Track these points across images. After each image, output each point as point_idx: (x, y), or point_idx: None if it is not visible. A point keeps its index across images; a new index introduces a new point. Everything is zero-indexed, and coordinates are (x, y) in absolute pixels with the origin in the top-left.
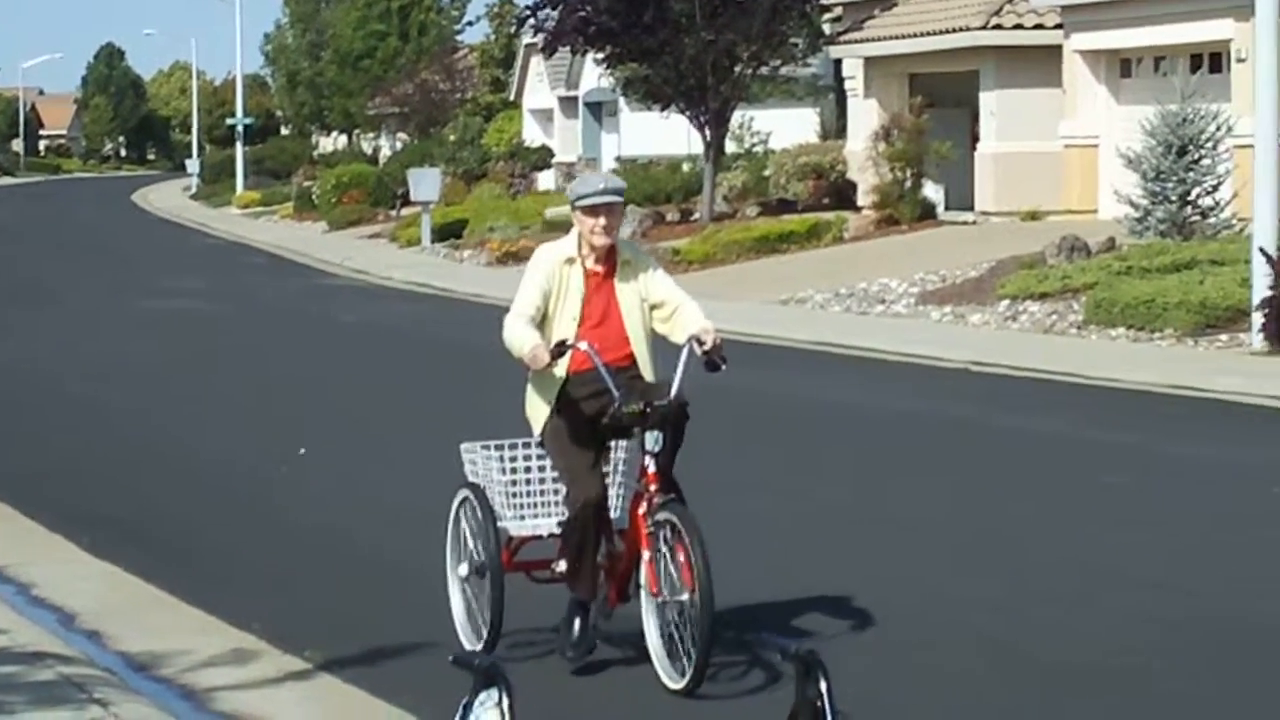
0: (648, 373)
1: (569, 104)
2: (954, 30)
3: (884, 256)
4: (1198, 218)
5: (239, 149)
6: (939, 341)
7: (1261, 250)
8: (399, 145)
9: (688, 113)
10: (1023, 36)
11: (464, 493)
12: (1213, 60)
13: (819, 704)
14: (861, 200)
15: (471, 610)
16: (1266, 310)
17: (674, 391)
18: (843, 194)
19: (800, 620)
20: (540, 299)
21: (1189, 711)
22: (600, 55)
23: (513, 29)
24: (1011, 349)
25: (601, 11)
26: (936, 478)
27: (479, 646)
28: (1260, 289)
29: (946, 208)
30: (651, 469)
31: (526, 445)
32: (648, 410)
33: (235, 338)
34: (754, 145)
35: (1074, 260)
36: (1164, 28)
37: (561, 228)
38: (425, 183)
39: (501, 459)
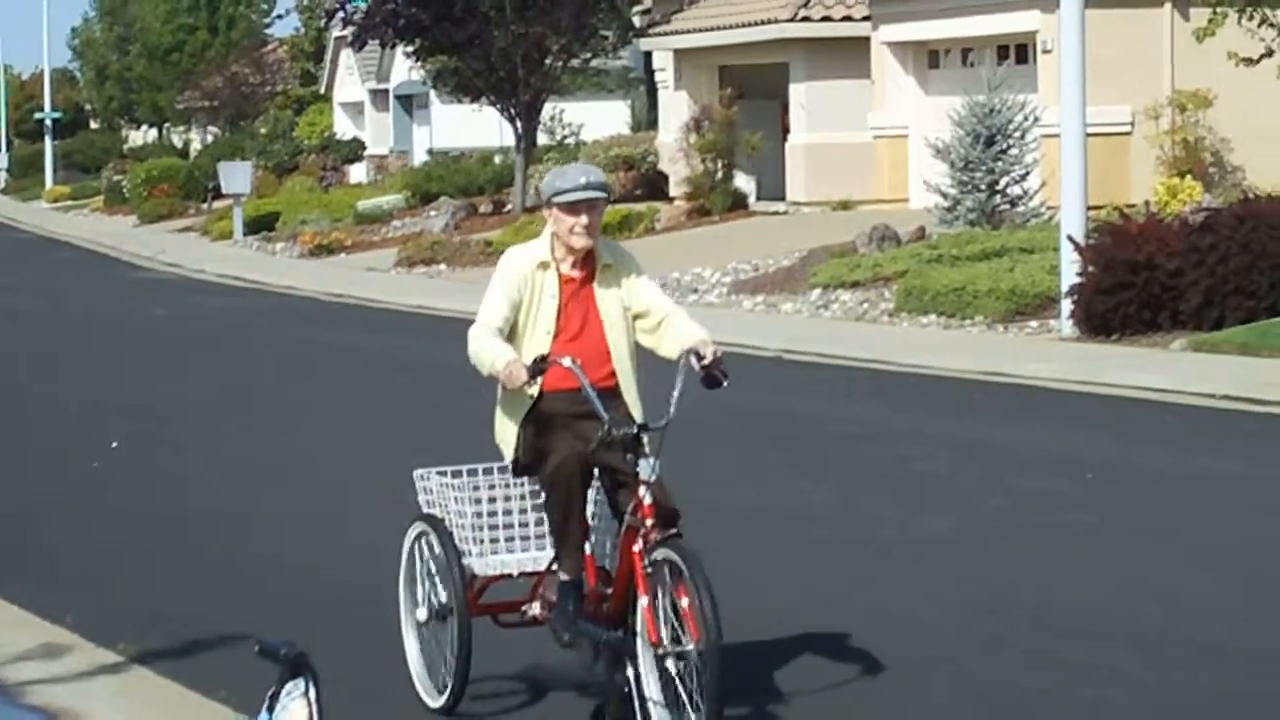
0: (631, 395)
1: (380, 97)
2: (762, 23)
3: (696, 247)
4: (1006, 206)
5: (48, 143)
6: (752, 330)
7: (1070, 238)
8: (209, 139)
9: (498, 105)
10: (831, 29)
11: (420, 526)
12: (1019, 51)
13: (627, 690)
14: (673, 191)
15: (432, 660)
16: (1075, 297)
17: (671, 412)
18: (655, 185)
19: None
20: (509, 308)
21: (999, 696)
22: (410, 48)
23: (322, 22)
24: (823, 337)
25: (411, 4)
26: (747, 466)
27: (442, 700)
28: (1069, 276)
29: (758, 198)
30: (648, 501)
31: (489, 471)
32: (641, 434)
33: (47, 332)
34: (566, 137)
35: (885, 249)
36: (971, 19)
37: (372, 220)
38: (236, 176)
39: (462, 487)
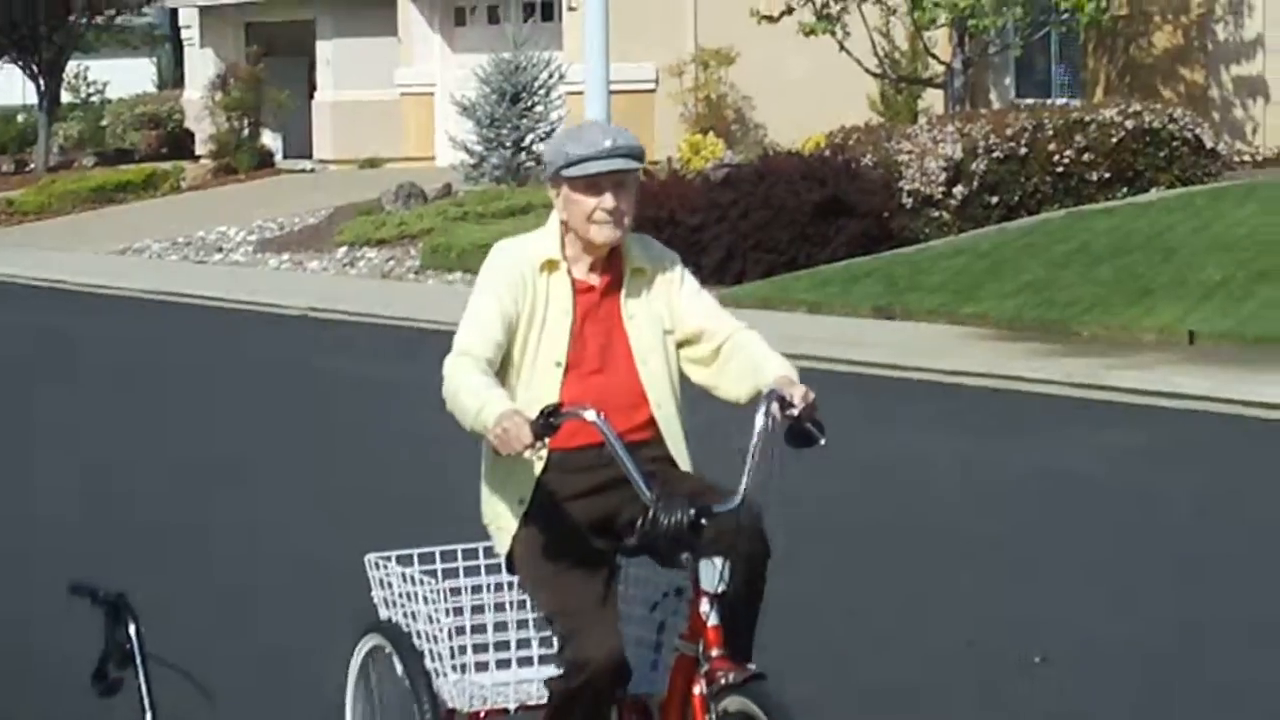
0: (679, 450)
1: None
2: None
3: (222, 205)
4: (532, 163)
5: None
6: (278, 289)
7: None
8: None
9: (20, 63)
10: None
11: (374, 639)
12: (545, 9)
13: (128, 647)
14: (199, 150)
15: None
16: None
17: (742, 489)
18: (181, 143)
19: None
20: (502, 328)
21: None
22: None
23: None
24: (350, 295)
25: None
26: (287, 426)
27: None
28: None
29: (285, 156)
30: (712, 622)
31: (471, 555)
32: (702, 522)
33: None
34: (90, 95)
35: (411, 207)
36: None
37: None
38: None
39: (436, 577)
